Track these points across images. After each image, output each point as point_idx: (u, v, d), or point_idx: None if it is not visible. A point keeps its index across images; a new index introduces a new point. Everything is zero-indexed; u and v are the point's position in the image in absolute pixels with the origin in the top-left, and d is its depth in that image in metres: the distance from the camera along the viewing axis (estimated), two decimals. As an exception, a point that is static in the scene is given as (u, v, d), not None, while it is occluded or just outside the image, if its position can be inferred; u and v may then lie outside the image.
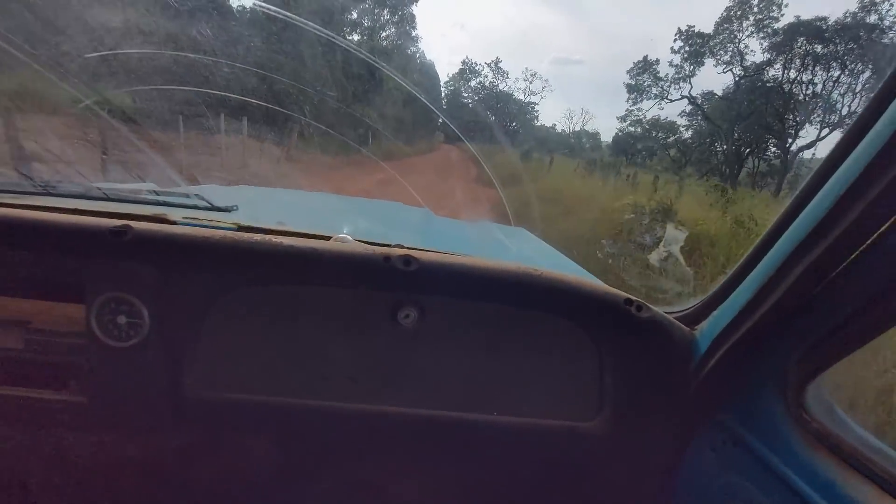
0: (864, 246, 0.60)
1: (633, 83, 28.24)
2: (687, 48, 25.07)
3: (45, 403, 0.87)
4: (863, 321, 0.63)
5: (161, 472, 1.00)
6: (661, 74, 26.49)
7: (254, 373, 0.90)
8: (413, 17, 34.10)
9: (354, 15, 28.39)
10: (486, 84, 45.87)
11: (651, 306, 0.92)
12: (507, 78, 46.23)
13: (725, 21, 23.39)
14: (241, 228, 0.95)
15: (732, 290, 0.82)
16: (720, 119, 24.16)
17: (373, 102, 19.68)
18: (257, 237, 0.85)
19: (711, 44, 24.09)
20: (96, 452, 0.97)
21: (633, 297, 0.91)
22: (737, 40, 23.24)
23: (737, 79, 23.61)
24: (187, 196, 1.15)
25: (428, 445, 1.00)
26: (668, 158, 28.46)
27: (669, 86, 26.23)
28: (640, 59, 27.22)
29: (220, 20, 10.13)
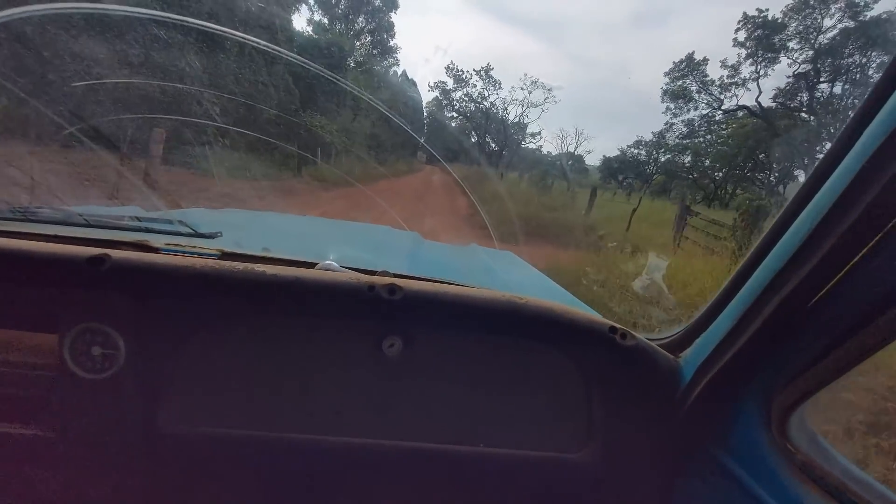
0: (842, 274, 0.61)
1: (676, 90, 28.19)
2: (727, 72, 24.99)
3: (13, 439, 0.83)
4: (842, 350, 0.63)
5: None
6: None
7: (234, 406, 0.87)
8: (393, 49, 33.81)
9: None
10: (475, 96, 42.47)
11: (636, 334, 0.92)
12: (500, 88, 43.14)
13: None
14: (224, 255, 0.94)
15: (715, 318, 0.82)
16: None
17: (342, 121, 18.44)
18: (240, 266, 0.84)
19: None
20: (66, 490, 0.92)
21: (618, 326, 0.91)
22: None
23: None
24: (170, 222, 1.13)
25: (414, 479, 0.97)
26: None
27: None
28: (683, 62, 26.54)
29: (206, 53, 10.26)
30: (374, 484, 0.97)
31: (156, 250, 0.92)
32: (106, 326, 0.81)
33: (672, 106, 30.28)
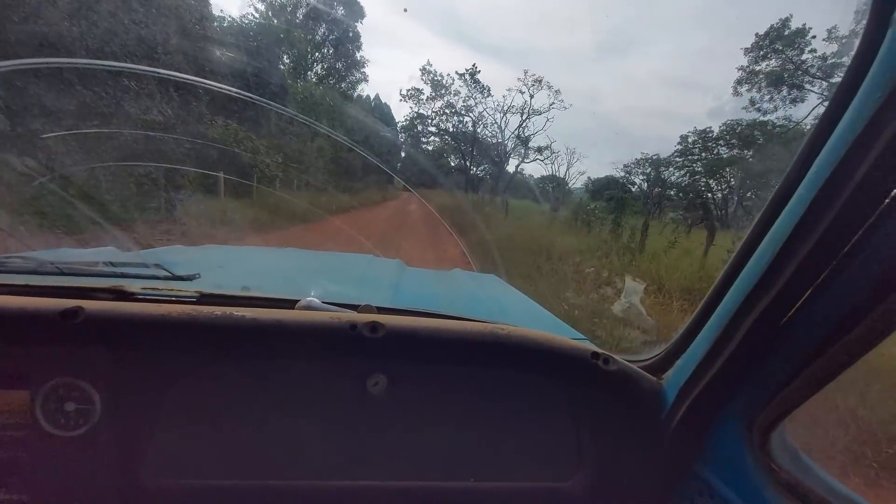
0: (808, 294, 0.63)
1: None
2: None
3: None
4: (817, 366, 0.65)
5: None
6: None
7: (217, 455, 0.85)
8: (361, 63, 29.00)
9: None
10: (458, 106, 33.61)
11: (617, 358, 0.93)
12: (489, 96, 34.59)
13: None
14: (203, 297, 0.92)
15: (692, 339, 0.84)
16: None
17: (286, 142, 16.50)
18: (218, 311, 0.83)
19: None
20: None
21: (600, 351, 0.92)
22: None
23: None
24: (146, 266, 1.11)
25: None
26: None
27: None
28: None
29: (181, 102, 10.27)
30: None
31: (132, 296, 0.90)
32: (80, 381, 0.79)
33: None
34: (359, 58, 29.91)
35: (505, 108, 32.48)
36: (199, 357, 0.84)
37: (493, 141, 34.17)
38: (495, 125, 33.69)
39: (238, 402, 0.85)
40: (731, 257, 0.75)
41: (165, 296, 0.92)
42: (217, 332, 0.82)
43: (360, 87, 30.49)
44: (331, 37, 28.13)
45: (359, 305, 0.95)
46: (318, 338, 0.85)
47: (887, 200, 0.53)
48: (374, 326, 0.84)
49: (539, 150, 33.16)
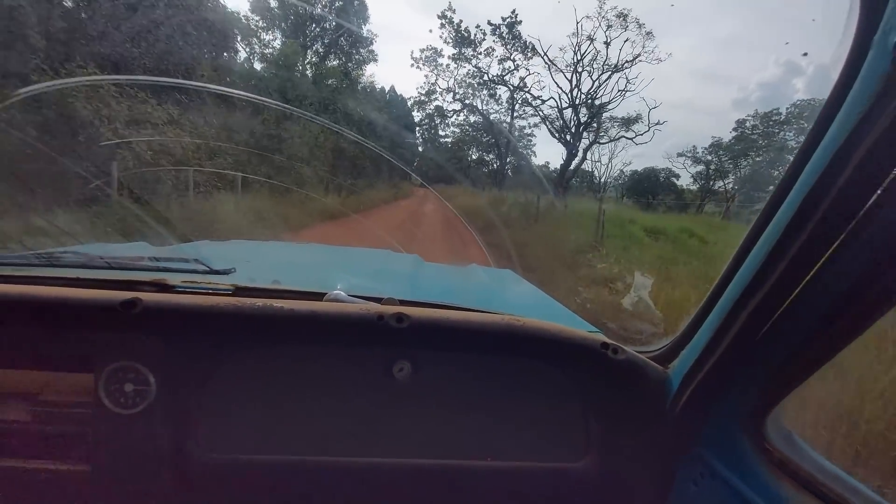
0: (800, 288, 0.68)
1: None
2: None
3: (50, 474, 0.89)
4: (809, 353, 0.70)
5: None
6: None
7: (256, 432, 0.94)
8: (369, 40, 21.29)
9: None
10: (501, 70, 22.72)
11: (626, 348, 0.98)
12: (531, 56, 22.12)
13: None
14: (238, 290, 1.00)
15: (696, 331, 0.89)
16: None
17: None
18: (258, 303, 0.92)
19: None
20: None
21: (609, 341, 0.98)
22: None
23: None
24: (185, 260, 1.19)
25: (426, 493, 1.03)
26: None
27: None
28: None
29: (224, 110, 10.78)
30: (388, 501, 1.03)
31: (173, 288, 0.99)
32: (137, 364, 0.89)
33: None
34: (365, 33, 22.38)
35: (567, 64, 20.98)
36: (241, 343, 0.93)
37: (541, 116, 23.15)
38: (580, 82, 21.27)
39: (276, 385, 0.94)
40: (733, 253, 0.79)
41: (204, 288, 1.01)
42: (257, 321, 0.91)
43: (367, 70, 22.61)
44: (335, 4, 21.27)
45: (382, 298, 1.03)
46: (347, 327, 0.93)
47: (870, 202, 0.57)
48: (399, 317, 0.92)
49: (627, 122, 21.88)
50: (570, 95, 21.85)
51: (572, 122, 22.45)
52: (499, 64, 22.91)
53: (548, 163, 28.29)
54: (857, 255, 0.60)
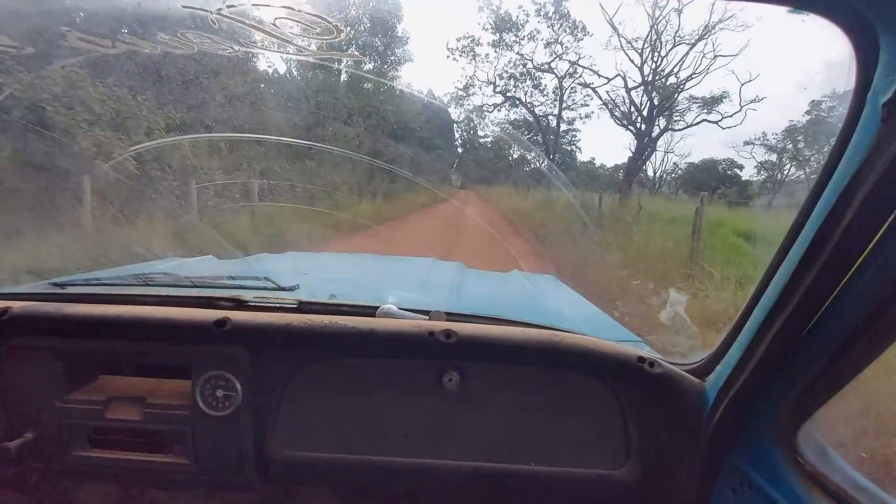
0: (829, 301, 0.71)
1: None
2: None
3: (154, 466, 1.06)
4: (840, 365, 0.72)
5: None
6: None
7: (323, 434, 1.06)
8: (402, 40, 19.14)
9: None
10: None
11: (663, 361, 1.04)
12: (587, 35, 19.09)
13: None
14: (301, 304, 1.15)
15: (731, 345, 0.93)
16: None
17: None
18: (325, 320, 1.04)
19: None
20: None
21: (646, 355, 1.04)
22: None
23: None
24: (256, 278, 1.35)
25: (473, 494, 1.12)
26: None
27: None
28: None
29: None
30: (438, 498, 1.13)
31: (246, 304, 1.14)
32: (227, 373, 1.04)
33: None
34: (400, 33, 20.05)
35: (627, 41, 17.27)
36: (312, 356, 1.06)
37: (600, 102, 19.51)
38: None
39: (342, 392, 1.06)
40: (765, 269, 0.83)
41: (273, 304, 1.16)
42: (325, 337, 1.04)
43: (402, 70, 20.51)
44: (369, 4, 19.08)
45: (430, 312, 1.14)
46: (402, 342, 1.04)
47: (893, 216, 0.61)
48: (448, 333, 1.02)
49: (710, 102, 17.47)
50: (640, 71, 17.91)
51: (644, 105, 18.41)
52: (545, 48, 20.04)
53: (593, 158, 25.48)
54: (888, 265, 0.63)
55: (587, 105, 21.27)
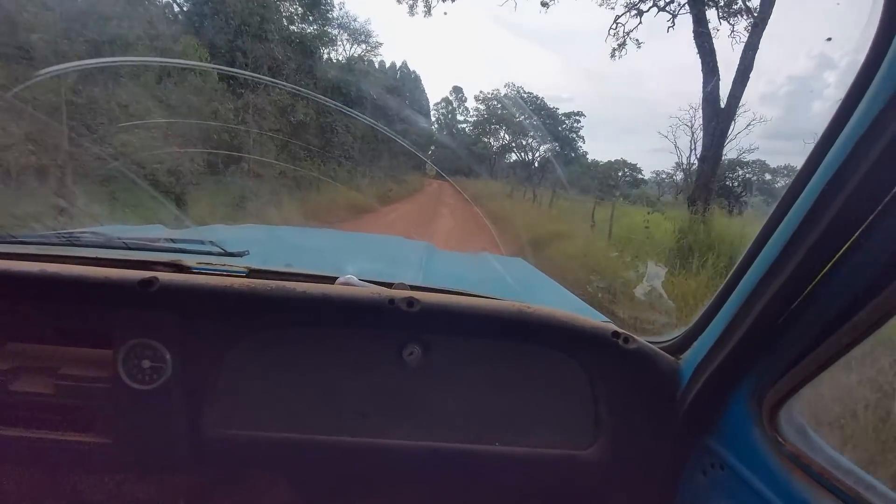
0: (815, 282, 0.67)
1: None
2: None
3: (71, 445, 0.92)
4: (825, 345, 0.68)
5: None
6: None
7: (269, 411, 0.96)
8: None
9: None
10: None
11: (637, 337, 0.98)
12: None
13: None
14: (251, 272, 1.02)
15: (709, 322, 0.88)
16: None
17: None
18: (272, 284, 0.93)
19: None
20: (115, 493, 1.02)
21: (620, 330, 0.98)
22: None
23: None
24: (201, 242, 1.21)
25: (435, 476, 1.04)
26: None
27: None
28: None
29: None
30: (397, 481, 1.04)
31: (188, 269, 1.01)
32: (155, 342, 0.91)
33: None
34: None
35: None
36: (255, 324, 0.94)
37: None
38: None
39: (288, 365, 0.96)
40: (748, 247, 0.78)
41: (218, 270, 1.03)
42: (271, 302, 0.92)
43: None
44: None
45: (393, 283, 1.04)
46: (359, 311, 0.94)
47: (889, 196, 0.57)
48: (410, 301, 0.93)
49: None
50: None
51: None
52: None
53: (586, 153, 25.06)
54: (878, 245, 0.60)
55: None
